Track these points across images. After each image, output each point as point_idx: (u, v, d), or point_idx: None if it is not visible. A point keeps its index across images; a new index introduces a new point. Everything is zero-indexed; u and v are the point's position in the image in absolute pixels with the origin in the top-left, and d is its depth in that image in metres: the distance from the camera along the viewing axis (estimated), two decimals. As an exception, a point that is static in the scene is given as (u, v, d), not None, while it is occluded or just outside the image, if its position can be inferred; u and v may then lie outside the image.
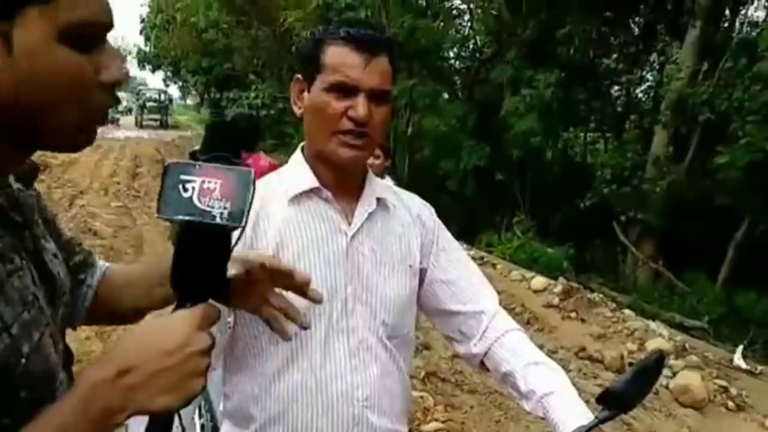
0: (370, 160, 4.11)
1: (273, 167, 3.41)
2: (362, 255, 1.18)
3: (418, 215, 1.30)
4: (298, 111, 1.19)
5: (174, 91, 39.35)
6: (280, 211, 1.15)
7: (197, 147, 0.81)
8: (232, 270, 0.82)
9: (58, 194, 10.40)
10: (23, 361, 0.63)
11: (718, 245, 9.97)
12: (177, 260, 0.68)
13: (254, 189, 0.67)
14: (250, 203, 0.66)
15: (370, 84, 1.10)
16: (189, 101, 45.18)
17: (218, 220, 0.65)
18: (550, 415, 1.11)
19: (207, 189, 0.65)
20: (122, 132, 24.53)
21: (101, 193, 10.61)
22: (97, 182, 11.59)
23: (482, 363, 1.27)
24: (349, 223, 1.18)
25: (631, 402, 1.07)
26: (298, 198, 1.16)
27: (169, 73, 36.64)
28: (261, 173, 2.94)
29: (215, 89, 26.13)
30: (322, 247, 1.14)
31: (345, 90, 1.10)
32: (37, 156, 0.78)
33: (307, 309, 1.06)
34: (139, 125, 28.73)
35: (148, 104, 29.50)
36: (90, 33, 0.63)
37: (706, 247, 10.00)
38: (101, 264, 1.00)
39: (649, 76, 15.10)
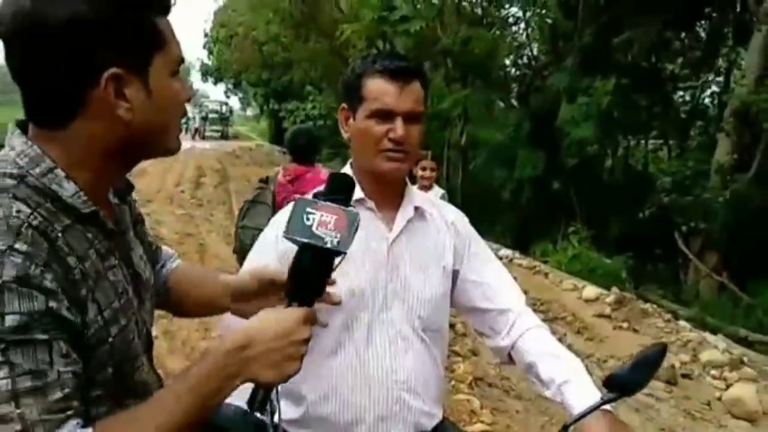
0: (426, 173, 4.40)
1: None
2: (401, 258, 1.35)
3: (453, 222, 1.46)
4: (345, 135, 1.39)
5: (234, 102, 40.71)
6: None
7: (320, 188, 0.94)
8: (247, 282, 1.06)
9: (129, 202, 11.05)
10: (110, 340, 0.80)
11: (786, 257, 9.57)
12: (293, 270, 0.90)
13: (358, 226, 0.89)
14: (353, 236, 0.88)
15: (404, 108, 1.28)
16: (249, 112, 46.62)
17: (329, 245, 0.86)
18: (566, 399, 1.23)
19: (324, 221, 0.87)
20: (186, 143, 25.61)
21: (167, 202, 11.16)
22: (163, 191, 12.19)
23: (509, 355, 1.41)
24: (390, 230, 1.36)
25: (632, 387, 1.15)
26: None
27: (230, 86, 37.93)
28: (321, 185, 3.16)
29: (274, 101, 26.90)
30: (366, 251, 1.32)
31: (384, 115, 1.29)
32: None
33: (355, 304, 1.30)
34: (202, 136, 29.89)
35: (210, 116, 30.62)
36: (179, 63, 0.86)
37: (772, 258, 9.61)
38: (176, 259, 1.20)
39: (715, 81, 14.67)
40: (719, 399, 4.80)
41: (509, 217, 12.73)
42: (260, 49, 20.16)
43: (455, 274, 1.44)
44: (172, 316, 4.83)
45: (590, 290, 7.11)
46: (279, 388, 0.89)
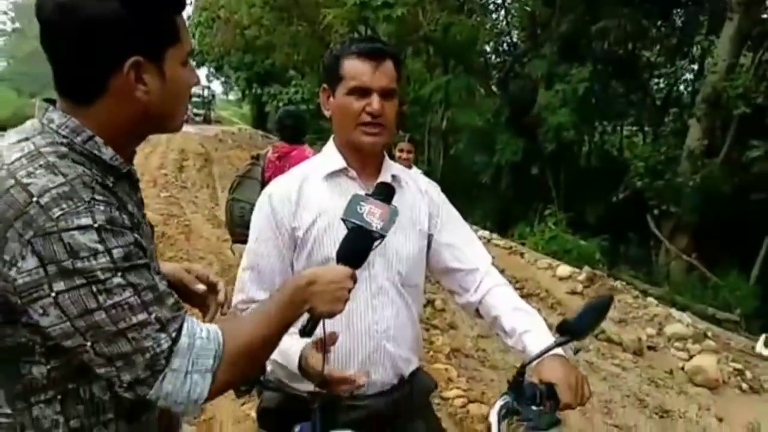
0: (404, 155, 4.60)
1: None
2: None
3: (426, 190, 1.63)
4: (327, 113, 1.52)
5: (217, 86, 40.34)
6: (317, 187, 1.51)
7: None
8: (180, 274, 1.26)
9: (112, 185, 11.07)
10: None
11: (753, 239, 9.95)
12: (344, 243, 1.19)
13: (396, 217, 1.21)
14: (392, 224, 1.19)
15: (379, 84, 1.43)
16: (231, 96, 46.21)
17: (374, 228, 1.18)
18: (526, 346, 1.41)
19: (372, 212, 1.19)
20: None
21: (150, 184, 11.18)
22: (147, 174, 12.20)
23: (477, 310, 1.59)
24: None
25: (581, 332, 1.32)
26: (330, 176, 1.51)
27: (212, 70, 37.54)
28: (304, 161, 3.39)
29: (257, 85, 26.76)
30: None
31: (361, 92, 1.43)
32: None
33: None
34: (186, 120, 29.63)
35: (194, 100, 30.36)
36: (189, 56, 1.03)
37: (739, 240, 9.98)
38: None
39: (690, 69, 14.97)
40: (682, 369, 5.09)
41: (489, 201, 12.96)
42: (242, 33, 19.98)
43: (430, 237, 1.59)
44: None
45: (563, 269, 7.38)
46: (324, 321, 1.16)
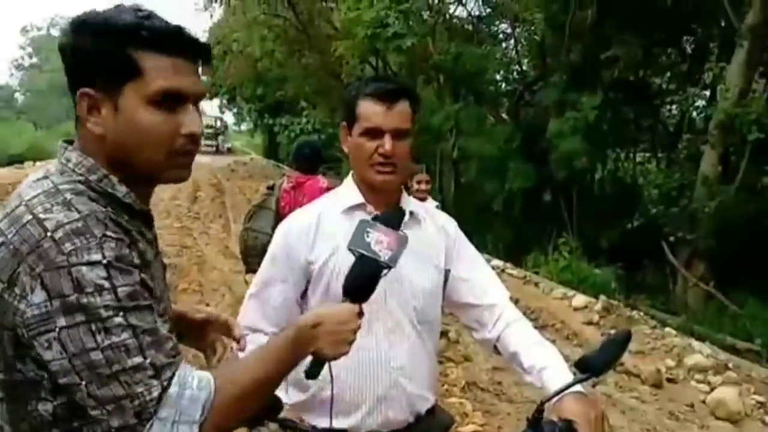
0: (422, 186, 4.64)
1: (329, 188, 3.85)
2: None
3: (443, 226, 1.63)
4: (345, 149, 1.57)
5: (229, 117, 40.88)
6: (335, 221, 1.52)
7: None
8: (197, 315, 1.26)
9: (126, 216, 11.16)
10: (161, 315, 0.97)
11: (771, 266, 9.77)
12: (350, 275, 1.13)
13: (406, 246, 1.15)
14: (401, 254, 1.13)
15: (391, 126, 1.45)
16: (243, 127, 46.76)
17: (382, 259, 1.11)
18: (544, 383, 1.39)
19: (380, 240, 1.13)
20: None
21: (164, 215, 11.29)
22: (160, 205, 12.31)
23: (495, 346, 1.57)
24: None
25: (601, 368, 1.30)
26: (348, 210, 1.53)
27: (224, 101, 38.13)
28: (320, 193, 3.45)
29: (268, 116, 27.08)
30: None
31: (374, 133, 1.45)
32: None
33: None
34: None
35: (205, 131, 30.74)
36: (172, 98, 0.95)
37: (757, 267, 9.81)
38: None
39: (702, 95, 14.96)
40: (703, 401, 4.97)
41: (501, 229, 12.90)
42: (254, 66, 20.35)
43: (447, 273, 1.59)
44: None
45: (579, 299, 7.29)
46: (330, 363, 1.12)
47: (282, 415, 1.40)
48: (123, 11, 0.96)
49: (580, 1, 12.22)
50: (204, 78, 1.08)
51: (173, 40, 0.96)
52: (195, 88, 0.98)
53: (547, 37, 13.29)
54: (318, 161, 4.30)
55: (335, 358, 1.08)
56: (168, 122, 0.95)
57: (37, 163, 21.88)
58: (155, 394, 0.86)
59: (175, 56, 0.95)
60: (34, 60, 54.99)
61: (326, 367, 1.12)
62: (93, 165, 0.95)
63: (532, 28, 15.22)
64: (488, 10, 16.55)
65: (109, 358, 0.84)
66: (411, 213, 1.54)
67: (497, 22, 16.86)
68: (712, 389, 5.10)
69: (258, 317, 1.52)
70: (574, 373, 1.32)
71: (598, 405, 1.35)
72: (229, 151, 28.14)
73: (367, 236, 1.13)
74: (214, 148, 29.55)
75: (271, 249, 1.56)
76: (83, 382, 0.85)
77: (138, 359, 0.86)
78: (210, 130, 30.51)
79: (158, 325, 0.90)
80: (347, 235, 1.46)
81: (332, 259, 1.47)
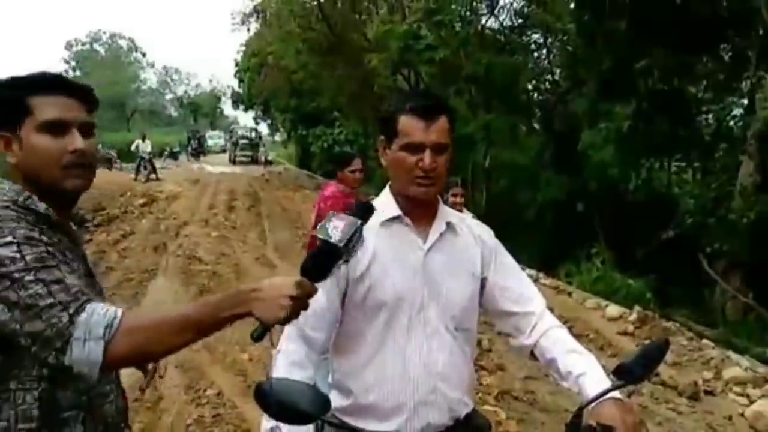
0: (457, 199, 4.76)
1: (338, 195, 4.02)
2: (435, 265, 1.56)
3: (479, 235, 1.68)
4: (384, 162, 1.61)
5: (263, 128, 41.49)
6: (373, 232, 1.56)
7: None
8: None
9: (165, 225, 11.49)
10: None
11: (812, 278, 9.52)
12: (308, 256, 1.25)
13: (357, 230, 1.23)
14: (352, 237, 1.22)
15: (432, 141, 1.49)
16: (277, 138, 47.35)
17: (332, 240, 1.22)
18: (582, 388, 1.45)
19: (335, 226, 1.24)
20: (217, 168, 26.27)
21: (202, 224, 11.57)
22: (197, 215, 12.63)
23: (532, 352, 1.63)
24: (425, 242, 1.57)
25: (638, 375, 1.36)
26: (386, 223, 1.59)
27: (259, 112, 38.74)
28: (322, 199, 3.72)
29: (302, 126, 27.49)
30: (404, 260, 1.55)
31: (414, 148, 1.50)
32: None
33: (395, 305, 1.53)
34: (233, 161, 30.52)
35: (241, 142, 31.31)
36: (57, 125, 1.25)
37: (797, 279, 9.57)
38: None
39: (740, 104, 14.66)
40: (742, 414, 4.91)
41: (533, 239, 12.84)
42: (289, 77, 20.75)
43: (483, 281, 1.64)
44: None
45: (613, 309, 7.25)
46: (285, 330, 1.34)
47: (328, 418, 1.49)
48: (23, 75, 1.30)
49: (613, 10, 12.16)
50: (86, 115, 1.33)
51: (53, 84, 1.28)
52: (76, 117, 1.28)
53: (579, 47, 13.24)
54: (335, 168, 4.44)
55: (272, 324, 1.16)
56: (56, 144, 1.25)
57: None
58: (65, 320, 1.10)
59: (56, 95, 1.27)
60: (78, 73, 56.68)
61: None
62: (19, 189, 1.26)
63: (564, 38, 15.17)
64: (520, 20, 16.57)
65: (28, 305, 1.10)
66: (448, 223, 1.60)
67: (529, 33, 16.85)
68: (752, 402, 5.04)
69: (300, 321, 1.57)
70: (612, 380, 1.36)
71: (635, 411, 1.39)
72: (269, 162, 28.44)
73: (328, 224, 1.25)
74: (250, 158, 29.97)
75: None
76: (18, 326, 1.11)
77: (49, 300, 1.11)
78: (246, 141, 31.03)
79: (65, 277, 1.15)
80: (384, 247, 1.57)
81: (370, 269, 1.52)
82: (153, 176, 18.61)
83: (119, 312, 1.13)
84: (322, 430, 1.61)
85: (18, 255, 1.13)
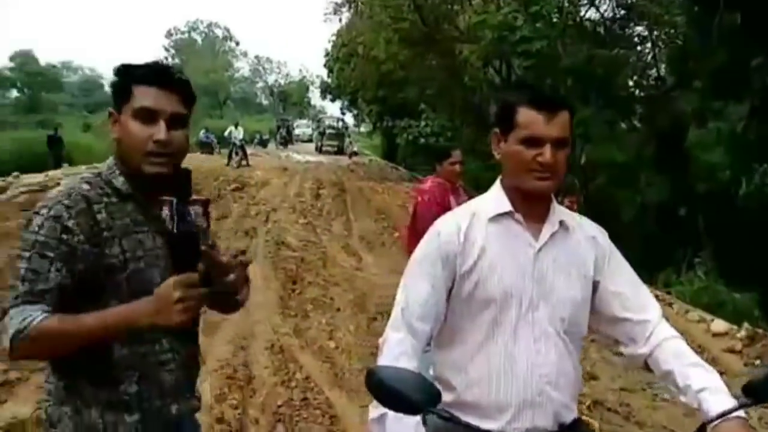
0: (573, 206, 4.56)
1: (434, 189, 3.87)
2: (546, 265, 1.50)
3: (593, 236, 1.59)
4: (497, 156, 1.56)
5: (349, 119, 42.03)
6: (483, 227, 1.52)
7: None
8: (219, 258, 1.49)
9: (255, 210, 11.84)
10: (128, 271, 1.38)
11: None
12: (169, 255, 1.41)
13: (175, 207, 1.42)
14: (179, 216, 1.41)
15: (552, 135, 1.43)
16: (362, 128, 47.90)
17: (169, 229, 1.41)
18: (702, 405, 1.34)
19: (164, 216, 1.43)
20: (304, 156, 26.88)
21: (290, 211, 11.84)
22: (286, 202, 12.94)
23: (646, 362, 1.53)
24: (536, 240, 1.51)
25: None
26: (496, 218, 1.52)
27: (346, 102, 39.29)
28: (418, 192, 3.57)
29: (388, 118, 27.56)
30: (514, 257, 1.50)
31: (534, 141, 1.44)
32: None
33: (502, 302, 1.47)
34: (319, 150, 31.13)
35: (328, 131, 31.89)
36: (147, 114, 1.38)
37: None
38: None
39: None
40: None
41: (631, 242, 12.19)
42: (378, 68, 20.83)
43: (595, 284, 1.55)
44: (301, 315, 5.25)
45: (719, 324, 6.72)
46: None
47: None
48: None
49: (727, 3, 11.28)
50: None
51: (152, 76, 1.39)
52: (165, 108, 1.39)
53: (689, 40, 12.39)
54: (434, 162, 4.27)
55: (170, 328, 1.28)
56: (144, 130, 1.38)
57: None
58: (8, 306, 1.30)
59: (153, 86, 1.38)
60: (176, 61, 59.82)
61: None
62: (112, 163, 1.45)
63: (672, 31, 14.26)
64: (622, 12, 15.73)
65: (16, 275, 1.33)
66: (561, 222, 1.53)
67: (632, 25, 15.98)
68: None
69: (414, 319, 1.53)
70: (737, 398, 1.29)
71: None
72: (354, 153, 28.76)
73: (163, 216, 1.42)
74: (336, 149, 30.46)
75: (420, 253, 1.57)
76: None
77: (18, 283, 1.32)
78: (333, 131, 31.57)
79: (47, 273, 1.31)
80: (493, 242, 1.52)
81: (478, 265, 1.48)
82: (244, 162, 19.21)
83: (36, 321, 1.27)
84: (429, 422, 1.57)
85: (37, 229, 1.32)
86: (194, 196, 1.51)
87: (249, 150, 22.07)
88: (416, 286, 1.54)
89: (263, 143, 32.29)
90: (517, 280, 1.48)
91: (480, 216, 1.54)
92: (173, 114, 1.39)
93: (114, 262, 1.36)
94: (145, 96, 1.38)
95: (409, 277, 1.57)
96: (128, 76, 1.41)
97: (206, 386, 4.01)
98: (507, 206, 1.52)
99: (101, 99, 57.13)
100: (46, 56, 78.70)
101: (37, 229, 1.31)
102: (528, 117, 1.45)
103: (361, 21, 20.39)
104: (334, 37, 29.42)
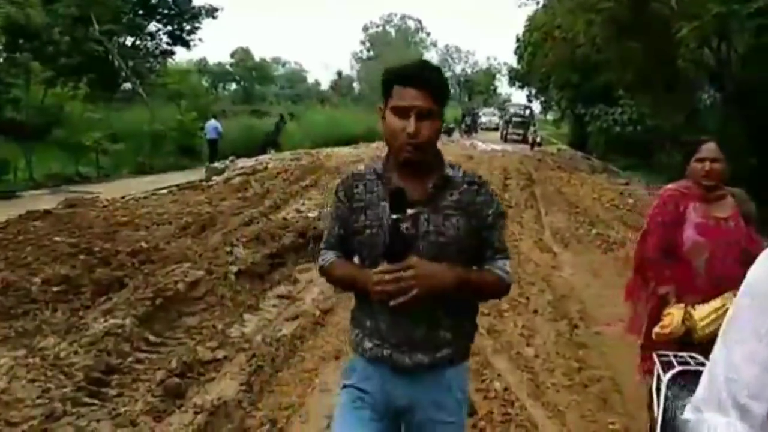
0: None
1: (666, 198, 2.96)
2: None
3: None
4: None
5: (536, 106, 40.44)
6: None
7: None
8: None
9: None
10: (366, 233, 1.75)
11: None
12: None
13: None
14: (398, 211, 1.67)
15: None
16: (549, 116, 45.97)
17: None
18: None
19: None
20: (488, 145, 26.41)
21: (479, 200, 11.52)
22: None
23: None
24: None
25: None
26: None
27: (534, 90, 37.91)
28: (658, 205, 2.81)
29: (580, 104, 25.93)
30: None
31: None
32: None
33: None
34: (504, 139, 30.44)
35: (513, 119, 31.02)
36: (400, 110, 1.64)
37: None
38: None
39: None
40: None
41: None
42: (573, 51, 19.57)
43: None
44: (495, 314, 4.78)
45: None
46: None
47: None
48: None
49: None
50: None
51: (408, 78, 1.64)
52: (413, 105, 1.62)
53: None
54: (682, 163, 3.42)
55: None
56: (399, 124, 1.65)
57: (372, 144, 24.81)
58: (322, 247, 1.95)
59: (407, 86, 1.64)
60: (371, 53, 62.55)
61: None
62: (385, 157, 1.81)
63: None
64: None
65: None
66: None
67: None
68: None
69: (734, 388, 1.09)
70: None
71: None
72: (538, 144, 27.54)
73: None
74: (521, 137, 29.55)
75: (748, 289, 1.12)
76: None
77: (325, 235, 1.93)
78: (519, 119, 30.68)
79: (333, 228, 1.87)
80: None
81: None
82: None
83: (326, 263, 1.89)
84: None
85: (336, 200, 1.84)
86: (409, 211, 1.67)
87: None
88: (744, 349, 1.11)
89: (448, 132, 32.38)
90: None
91: None
92: (421, 109, 1.62)
93: (360, 225, 1.75)
94: (399, 95, 1.64)
95: (737, 316, 1.14)
96: (389, 78, 1.68)
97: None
98: None
99: (303, 91, 62.19)
100: (259, 52, 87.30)
101: (336, 200, 1.84)
102: None
103: (560, 3, 19.27)
104: (528, 22, 28.45)
